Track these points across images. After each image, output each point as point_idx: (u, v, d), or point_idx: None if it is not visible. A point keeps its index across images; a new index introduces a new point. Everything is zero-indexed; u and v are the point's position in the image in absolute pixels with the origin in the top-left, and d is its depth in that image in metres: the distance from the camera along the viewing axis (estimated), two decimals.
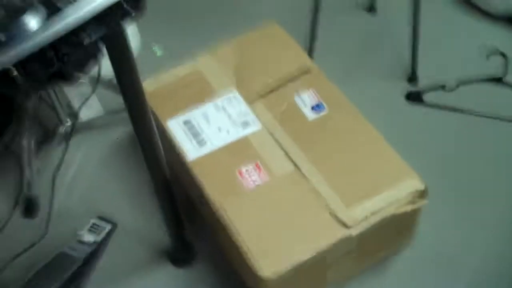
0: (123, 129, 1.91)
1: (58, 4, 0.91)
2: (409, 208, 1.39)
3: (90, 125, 1.89)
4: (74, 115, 1.83)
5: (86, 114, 1.81)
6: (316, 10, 1.87)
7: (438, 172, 1.71)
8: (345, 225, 1.36)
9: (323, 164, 1.47)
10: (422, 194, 1.41)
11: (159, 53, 2.12)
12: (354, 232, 1.36)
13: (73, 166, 1.83)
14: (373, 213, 1.37)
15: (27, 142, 1.75)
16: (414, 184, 1.41)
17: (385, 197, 1.40)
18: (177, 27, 2.20)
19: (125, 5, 0.93)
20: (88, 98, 1.66)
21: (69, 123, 1.83)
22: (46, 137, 1.88)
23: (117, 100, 1.81)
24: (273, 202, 1.42)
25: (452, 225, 1.63)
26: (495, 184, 1.70)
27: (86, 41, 0.92)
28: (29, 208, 1.73)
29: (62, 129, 1.83)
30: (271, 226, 1.39)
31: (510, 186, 1.70)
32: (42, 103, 1.89)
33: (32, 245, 1.37)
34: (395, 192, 1.40)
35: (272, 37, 1.74)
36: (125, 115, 1.89)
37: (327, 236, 1.36)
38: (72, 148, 1.77)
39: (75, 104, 1.81)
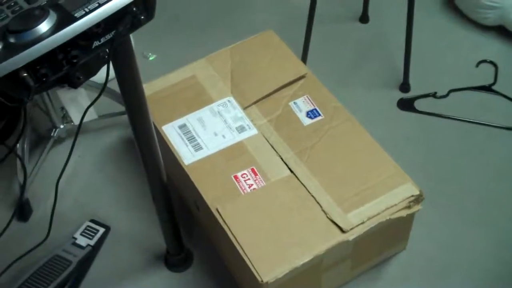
0: (116, 133, 1.92)
1: (68, 8, 0.91)
2: (404, 213, 1.41)
3: (83, 129, 1.89)
4: (67, 119, 1.83)
5: (79, 118, 1.81)
6: (310, 19, 1.89)
7: (430, 177, 1.73)
8: (341, 230, 1.38)
9: (319, 169, 1.48)
10: (417, 199, 1.43)
11: (151, 58, 2.13)
12: (350, 236, 1.37)
13: (67, 170, 1.82)
14: (369, 218, 1.39)
15: (21, 146, 1.74)
16: (409, 189, 1.43)
17: (381, 202, 1.41)
18: (172, 35, 2.20)
19: (134, 9, 0.94)
20: (90, 105, 1.66)
21: (62, 127, 1.83)
22: (39, 141, 1.88)
23: (110, 104, 1.83)
24: (269, 207, 1.43)
25: (445, 230, 1.65)
26: (487, 189, 1.73)
27: (95, 44, 0.93)
28: (22, 211, 1.73)
29: (55, 133, 1.83)
30: (267, 230, 1.40)
31: (502, 191, 1.72)
32: (35, 107, 1.89)
33: (30, 250, 1.37)
34: (391, 197, 1.42)
35: (268, 44, 1.76)
36: (118, 119, 1.91)
37: (323, 240, 1.37)
38: (65, 152, 1.76)
39: (69, 108, 1.81)
